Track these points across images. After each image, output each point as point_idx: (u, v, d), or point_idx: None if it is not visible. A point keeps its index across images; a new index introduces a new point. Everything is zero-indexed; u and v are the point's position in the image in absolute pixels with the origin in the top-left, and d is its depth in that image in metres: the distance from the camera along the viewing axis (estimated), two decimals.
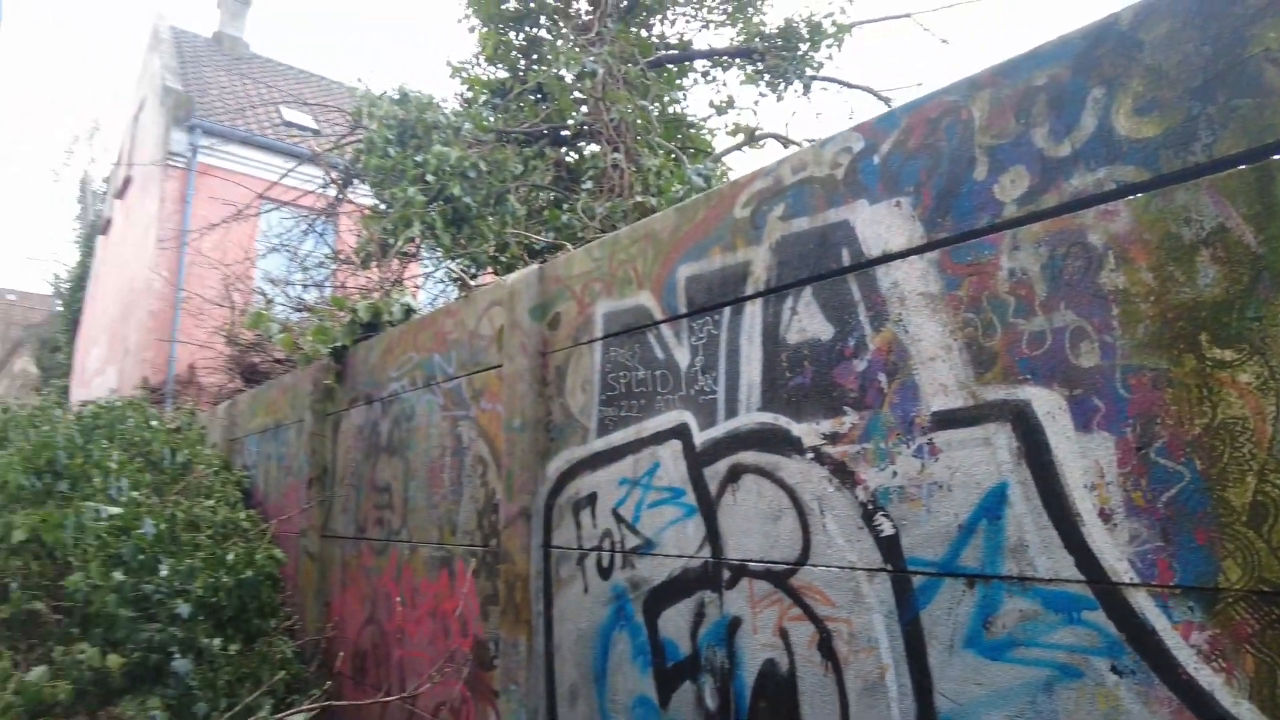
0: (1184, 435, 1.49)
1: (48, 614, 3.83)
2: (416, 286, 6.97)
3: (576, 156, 6.31)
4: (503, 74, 7.16)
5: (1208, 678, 1.42)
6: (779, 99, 6.74)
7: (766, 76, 7.51)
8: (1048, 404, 1.68)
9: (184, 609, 3.46)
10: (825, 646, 2.03)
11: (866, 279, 2.06)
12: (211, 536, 4.36)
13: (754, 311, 2.35)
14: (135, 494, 4.35)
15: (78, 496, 4.12)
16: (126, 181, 15.34)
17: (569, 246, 4.86)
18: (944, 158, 1.92)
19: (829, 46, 7.49)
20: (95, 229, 19.45)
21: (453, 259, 5.73)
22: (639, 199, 5.38)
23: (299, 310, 6.76)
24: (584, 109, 6.39)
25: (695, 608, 2.41)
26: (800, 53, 7.28)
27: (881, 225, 2.04)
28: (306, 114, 15.78)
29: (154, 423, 5.73)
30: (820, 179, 2.22)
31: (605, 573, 2.76)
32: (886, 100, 7.65)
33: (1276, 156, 1.43)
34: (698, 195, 2.71)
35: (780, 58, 7.28)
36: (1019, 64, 1.82)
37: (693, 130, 7.46)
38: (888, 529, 1.93)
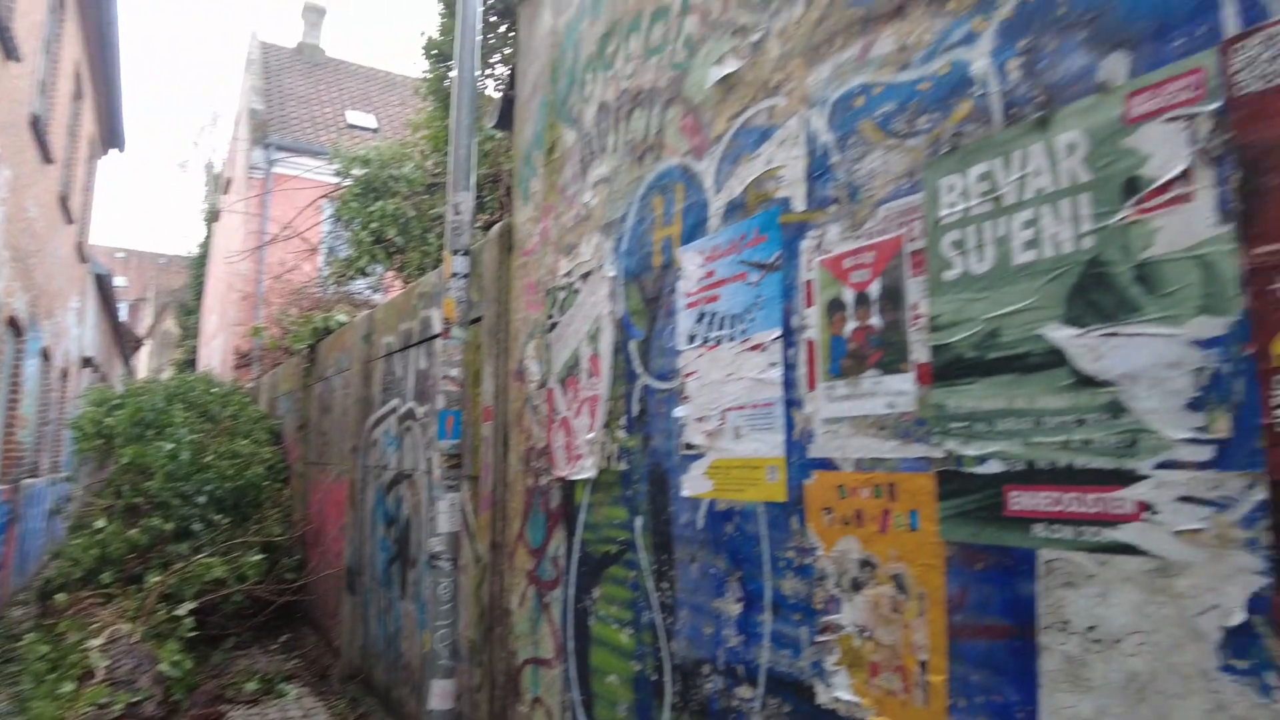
0: None
1: (142, 503, 6.91)
2: (388, 287, 9.72)
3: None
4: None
5: None
6: None
7: None
8: None
9: (201, 499, 6.44)
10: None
11: (433, 343, 4.55)
12: (234, 463, 7.33)
13: (414, 351, 4.88)
14: (191, 437, 7.37)
15: (157, 438, 7.17)
16: (229, 181, 18.93)
17: None
18: None
19: None
20: (214, 213, 23.48)
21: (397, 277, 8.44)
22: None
23: (313, 309, 9.69)
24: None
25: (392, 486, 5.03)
26: None
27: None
28: (370, 114, 18.93)
29: (214, 389, 8.84)
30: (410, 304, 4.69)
31: (377, 477, 5.42)
32: None
33: None
34: (401, 292, 5.23)
35: None
36: None
37: None
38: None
